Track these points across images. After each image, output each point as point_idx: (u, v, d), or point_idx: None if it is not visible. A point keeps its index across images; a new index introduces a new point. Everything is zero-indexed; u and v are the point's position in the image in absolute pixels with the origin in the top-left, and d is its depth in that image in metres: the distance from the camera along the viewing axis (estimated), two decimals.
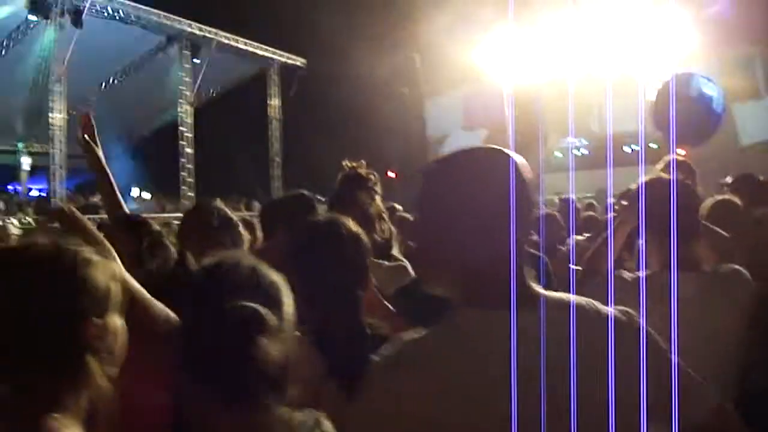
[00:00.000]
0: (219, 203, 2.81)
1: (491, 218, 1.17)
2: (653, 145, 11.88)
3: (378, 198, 2.87)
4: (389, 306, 2.15)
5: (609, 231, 2.49)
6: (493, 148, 1.25)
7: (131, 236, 2.44)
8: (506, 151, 1.23)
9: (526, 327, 1.13)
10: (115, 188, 2.78)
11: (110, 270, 1.24)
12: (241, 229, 2.85)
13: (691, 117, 9.33)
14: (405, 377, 1.16)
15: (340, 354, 1.66)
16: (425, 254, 1.29)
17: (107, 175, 2.75)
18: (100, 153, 2.72)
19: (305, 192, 2.87)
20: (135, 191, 23.79)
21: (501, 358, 1.11)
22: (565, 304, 1.21)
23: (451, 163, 1.28)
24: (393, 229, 3.03)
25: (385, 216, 2.93)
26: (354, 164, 2.93)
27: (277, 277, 1.32)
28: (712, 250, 2.68)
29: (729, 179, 2.73)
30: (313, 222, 1.97)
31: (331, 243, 1.81)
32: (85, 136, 2.72)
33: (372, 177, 2.89)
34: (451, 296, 1.23)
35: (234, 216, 2.84)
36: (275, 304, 1.26)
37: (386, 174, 24.24)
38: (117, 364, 1.25)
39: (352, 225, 1.89)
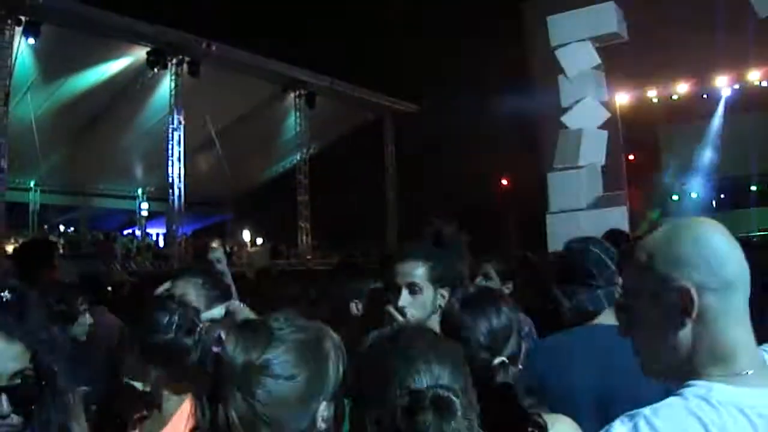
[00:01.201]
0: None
1: None
2: None
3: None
4: None
5: None
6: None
7: None
8: None
9: None
10: None
11: (342, 356, 1.30)
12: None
13: None
14: None
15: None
16: None
17: None
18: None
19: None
20: (246, 235, 24.29)
21: None
22: None
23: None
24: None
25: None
26: (439, 219, 2.96)
27: (454, 344, 1.41)
28: None
29: None
30: (465, 292, 2.07)
31: (480, 314, 1.84)
32: None
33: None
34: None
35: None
36: (457, 370, 1.30)
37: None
38: None
39: (506, 297, 1.97)
